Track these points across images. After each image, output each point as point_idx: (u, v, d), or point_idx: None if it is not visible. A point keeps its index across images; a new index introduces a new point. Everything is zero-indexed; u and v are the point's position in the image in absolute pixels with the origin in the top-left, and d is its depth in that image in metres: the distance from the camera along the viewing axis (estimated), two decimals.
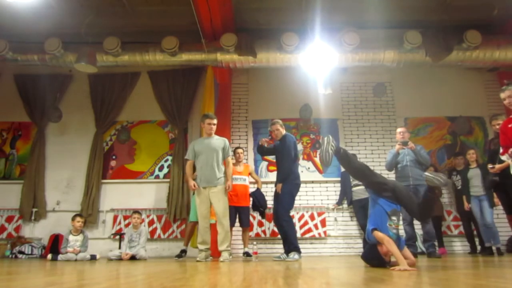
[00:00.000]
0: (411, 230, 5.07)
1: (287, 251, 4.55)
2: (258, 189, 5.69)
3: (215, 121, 4.74)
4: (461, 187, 5.88)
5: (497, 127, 4.42)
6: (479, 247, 5.80)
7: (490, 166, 4.20)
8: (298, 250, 4.53)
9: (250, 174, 5.75)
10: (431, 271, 2.71)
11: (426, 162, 5.27)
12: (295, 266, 3.35)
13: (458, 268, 3.00)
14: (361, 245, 6.12)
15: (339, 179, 6.51)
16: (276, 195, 4.72)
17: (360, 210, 5.91)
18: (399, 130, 5.45)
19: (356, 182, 6.08)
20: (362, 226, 5.99)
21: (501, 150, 3.81)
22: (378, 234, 2.89)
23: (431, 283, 1.94)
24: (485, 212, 5.41)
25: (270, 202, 5.57)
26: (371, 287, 1.79)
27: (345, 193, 6.22)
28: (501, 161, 3.97)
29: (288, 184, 4.66)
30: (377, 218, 3.01)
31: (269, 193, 5.86)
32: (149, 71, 7.17)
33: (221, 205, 4.54)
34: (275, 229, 5.17)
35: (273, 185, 4.99)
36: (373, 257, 2.97)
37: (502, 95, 3.77)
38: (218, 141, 4.72)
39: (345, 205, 6.44)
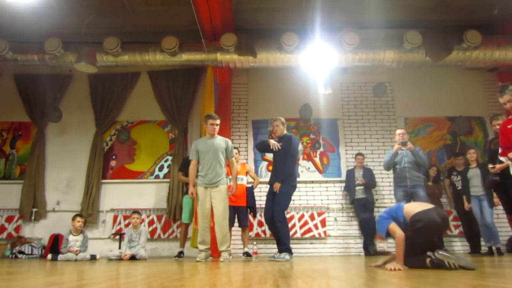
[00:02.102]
0: None
1: (279, 251, 4.55)
2: (251, 187, 5.65)
3: (218, 122, 4.70)
4: (461, 187, 5.88)
5: (497, 127, 4.42)
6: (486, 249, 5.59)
7: (490, 166, 4.21)
8: (289, 251, 4.53)
9: (247, 173, 5.72)
10: (431, 271, 2.71)
11: (424, 163, 5.37)
12: (294, 267, 3.34)
13: (458, 268, 2.99)
14: (361, 245, 6.13)
15: (339, 179, 6.59)
16: (272, 194, 4.70)
17: (360, 208, 6.10)
18: (398, 131, 5.47)
19: (358, 182, 6.13)
20: (361, 221, 6.15)
21: (500, 151, 3.81)
22: (392, 226, 2.94)
23: (431, 283, 1.94)
24: (485, 212, 5.41)
25: (262, 202, 5.53)
26: (371, 287, 1.79)
27: (349, 189, 6.28)
28: (501, 161, 3.98)
29: (287, 184, 4.66)
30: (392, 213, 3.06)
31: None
32: (149, 71, 7.17)
33: (221, 206, 4.51)
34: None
35: None
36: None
37: (501, 100, 3.76)
38: (221, 142, 4.70)
39: (345, 205, 6.47)
